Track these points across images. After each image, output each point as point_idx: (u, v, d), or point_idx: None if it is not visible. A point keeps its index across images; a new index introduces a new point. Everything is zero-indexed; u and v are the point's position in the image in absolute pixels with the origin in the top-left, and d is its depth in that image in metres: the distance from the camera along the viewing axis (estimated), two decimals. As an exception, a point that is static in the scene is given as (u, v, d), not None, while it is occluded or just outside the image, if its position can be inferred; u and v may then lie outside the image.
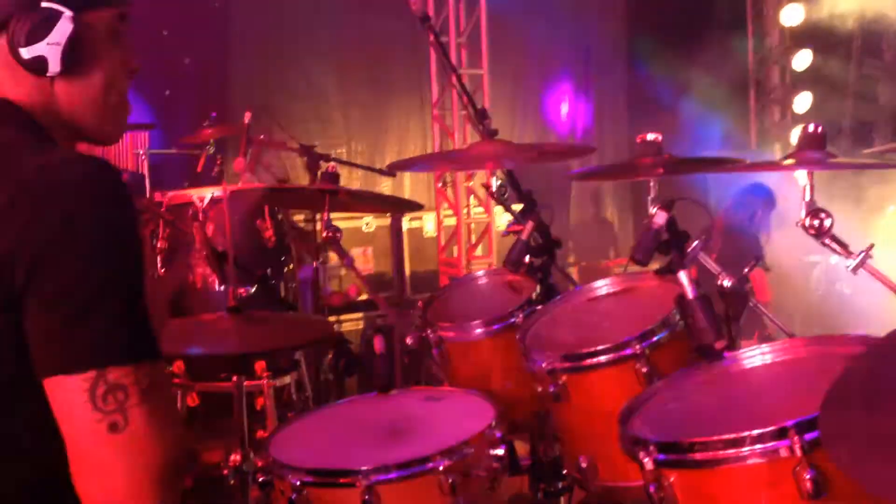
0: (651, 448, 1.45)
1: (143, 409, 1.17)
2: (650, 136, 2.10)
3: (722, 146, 6.78)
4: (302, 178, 4.03)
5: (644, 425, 1.59)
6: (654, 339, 1.84)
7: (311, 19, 6.39)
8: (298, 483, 1.82)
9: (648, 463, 1.44)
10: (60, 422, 1.17)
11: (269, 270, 3.57)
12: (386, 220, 6.23)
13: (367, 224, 6.15)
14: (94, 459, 1.16)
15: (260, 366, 3.49)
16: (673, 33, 6.90)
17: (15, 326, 1.18)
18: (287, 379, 3.59)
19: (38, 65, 1.30)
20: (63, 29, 1.30)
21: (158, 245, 3.60)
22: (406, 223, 6.37)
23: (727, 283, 2.06)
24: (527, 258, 2.27)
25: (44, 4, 1.30)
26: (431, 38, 2.79)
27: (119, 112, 1.45)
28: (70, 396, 1.16)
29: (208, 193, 3.59)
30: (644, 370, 1.83)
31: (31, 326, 1.17)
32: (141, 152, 4.90)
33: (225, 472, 2.22)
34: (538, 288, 2.22)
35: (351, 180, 6.85)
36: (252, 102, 6.17)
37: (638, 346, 1.83)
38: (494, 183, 2.45)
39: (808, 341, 1.65)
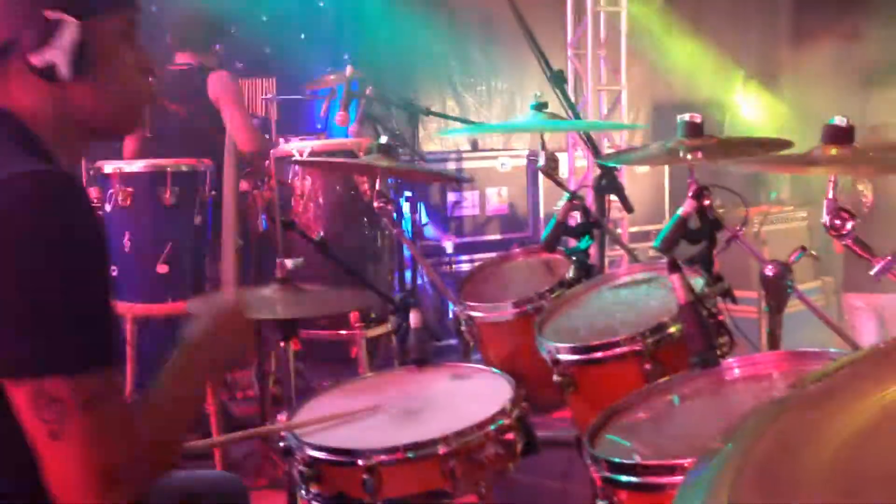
0: (602, 464, 1.42)
1: (82, 420, 1.23)
2: (685, 117, 1.97)
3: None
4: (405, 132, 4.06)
5: (619, 432, 1.55)
6: (660, 335, 1.78)
7: (451, -45, 6.35)
8: (308, 457, 1.91)
9: (597, 480, 1.42)
10: (20, 421, 1.26)
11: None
12: (522, 161, 6.20)
13: (502, 164, 6.14)
14: (44, 460, 1.26)
15: (354, 316, 3.64)
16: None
17: None
18: (380, 329, 3.71)
19: (49, 70, 1.37)
20: (69, 35, 1.37)
21: (266, 196, 3.77)
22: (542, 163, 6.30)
23: (769, 270, 1.96)
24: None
25: (49, 14, 1.36)
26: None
27: (135, 109, 1.53)
28: (18, 401, 1.25)
29: (307, 147, 3.71)
30: (647, 367, 1.78)
31: None
32: (268, 97, 5.08)
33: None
34: (571, 270, 2.17)
35: (490, 117, 6.87)
36: (388, 41, 6.30)
37: (642, 343, 1.78)
38: (542, 156, 2.38)
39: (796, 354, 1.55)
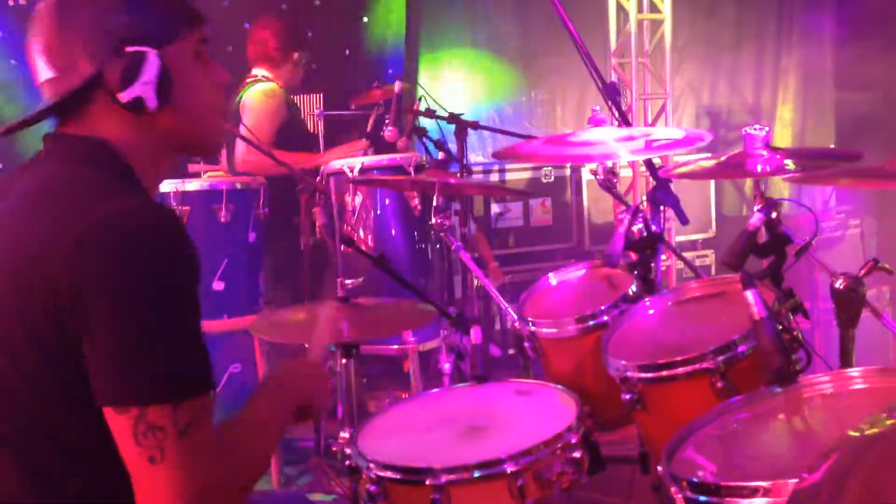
0: (683, 484, 1.40)
1: (180, 445, 1.28)
2: (752, 130, 1.95)
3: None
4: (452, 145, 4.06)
5: (696, 452, 1.54)
6: (732, 353, 1.76)
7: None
8: (375, 476, 1.91)
9: (678, 500, 1.40)
10: (117, 445, 1.31)
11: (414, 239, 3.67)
12: (565, 171, 6.17)
13: (545, 175, 6.12)
14: (139, 484, 1.30)
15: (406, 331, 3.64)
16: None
17: (75, 357, 1.31)
18: (432, 344, 3.71)
19: (138, 105, 1.42)
20: (152, 67, 1.41)
21: (314, 212, 3.78)
22: (585, 174, 6.26)
23: (840, 284, 1.93)
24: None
25: (129, 49, 1.41)
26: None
27: (217, 125, 1.59)
28: (118, 427, 1.29)
29: (357, 162, 3.73)
30: (719, 385, 1.76)
31: (89, 361, 1.30)
32: (316, 113, 5.12)
33: (334, 448, 2.35)
34: (634, 285, 2.15)
35: (531, 128, 6.85)
36: (429, 55, 6.32)
37: (713, 361, 1.76)
38: (600, 171, 2.37)
39: (877, 371, 1.52)
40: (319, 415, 1.74)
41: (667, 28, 5.90)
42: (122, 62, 1.39)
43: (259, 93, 4.17)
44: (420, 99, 3.94)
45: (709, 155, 5.21)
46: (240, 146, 3.98)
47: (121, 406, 1.28)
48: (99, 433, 1.32)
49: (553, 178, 6.10)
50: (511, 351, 4.99)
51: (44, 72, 1.45)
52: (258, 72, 4.35)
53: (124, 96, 1.40)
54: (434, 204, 2.41)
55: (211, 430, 1.34)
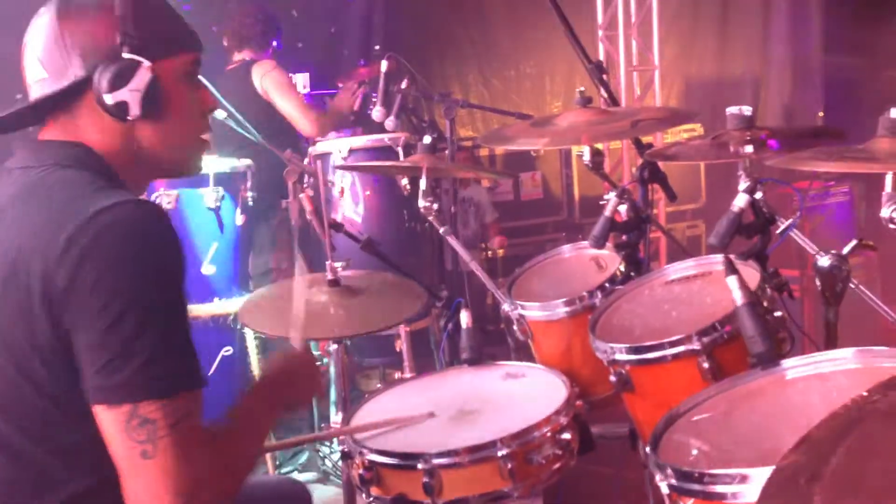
0: (668, 472, 1.42)
1: (171, 439, 1.30)
2: (734, 110, 1.96)
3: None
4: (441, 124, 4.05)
5: (682, 437, 1.55)
6: (717, 335, 1.78)
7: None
8: (367, 461, 1.93)
9: (664, 487, 1.42)
10: (106, 442, 1.33)
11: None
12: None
13: (534, 150, 6.11)
14: (131, 480, 1.32)
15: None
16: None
17: (69, 356, 1.33)
18: (423, 323, 3.72)
19: (120, 109, 1.45)
20: (142, 77, 1.45)
21: (304, 195, 3.77)
22: (575, 147, 6.25)
23: (824, 262, 1.94)
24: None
25: (125, 55, 1.45)
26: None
27: (196, 149, 1.61)
28: (110, 424, 1.31)
29: (346, 144, 3.72)
30: (706, 366, 1.78)
31: (81, 358, 1.32)
32: (302, 92, 5.10)
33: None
34: (621, 266, 2.16)
35: (520, 101, 6.83)
36: (416, 29, 6.28)
37: (699, 342, 1.77)
38: (586, 151, 2.37)
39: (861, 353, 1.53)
40: (313, 403, 1.77)
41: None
42: (114, 67, 1.43)
43: (268, 66, 4.24)
44: (408, 77, 3.91)
45: (698, 126, 5.22)
46: (301, 116, 4.19)
47: (112, 404, 1.30)
48: (96, 438, 1.33)
49: (543, 151, 6.09)
50: (502, 325, 5.03)
51: (36, 72, 1.48)
52: (243, 56, 4.37)
53: (110, 99, 1.43)
54: (422, 188, 2.40)
55: (201, 424, 1.36)
